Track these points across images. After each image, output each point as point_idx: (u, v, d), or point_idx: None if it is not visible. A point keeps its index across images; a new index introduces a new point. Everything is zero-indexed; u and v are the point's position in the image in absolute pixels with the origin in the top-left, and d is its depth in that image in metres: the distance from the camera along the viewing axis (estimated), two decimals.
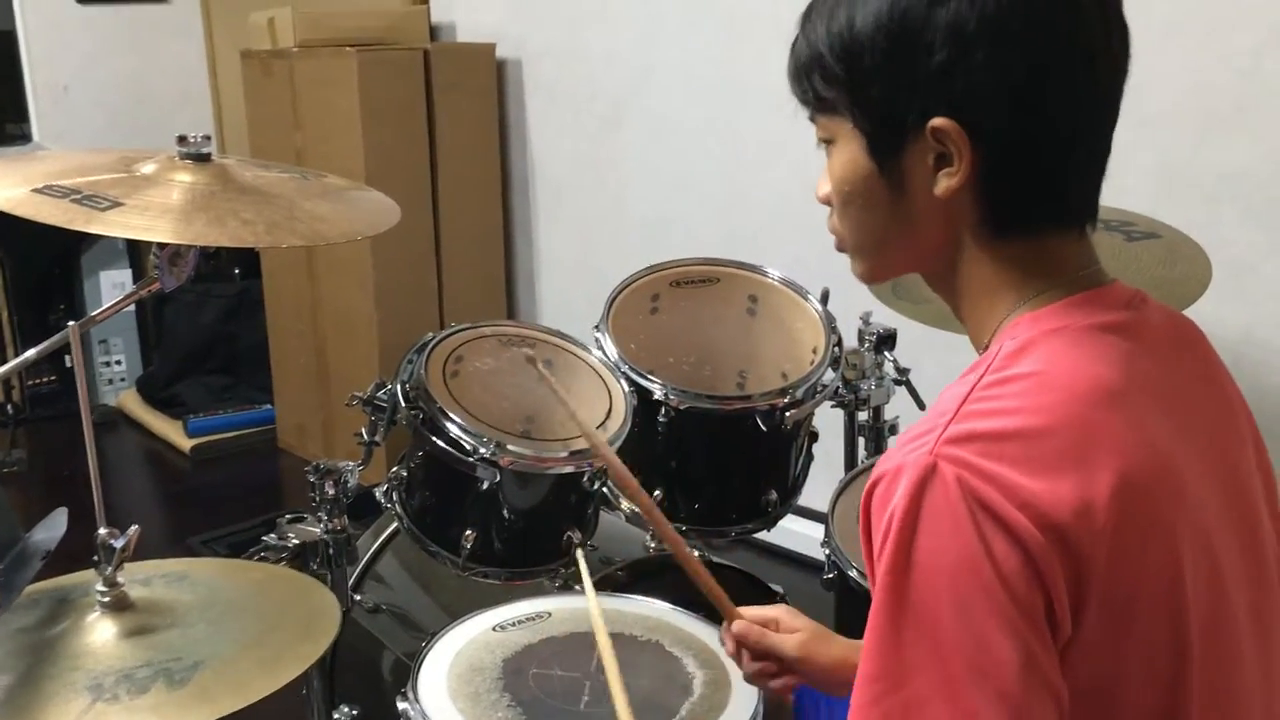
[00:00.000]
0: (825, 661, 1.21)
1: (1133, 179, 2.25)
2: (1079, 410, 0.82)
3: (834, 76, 0.91)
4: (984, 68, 0.85)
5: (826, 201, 0.99)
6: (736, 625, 1.23)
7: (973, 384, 0.85)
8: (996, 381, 0.85)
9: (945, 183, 0.88)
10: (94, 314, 1.48)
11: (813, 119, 0.96)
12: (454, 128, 3.67)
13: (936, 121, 0.86)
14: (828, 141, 0.96)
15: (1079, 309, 0.89)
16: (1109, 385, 0.84)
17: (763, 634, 1.22)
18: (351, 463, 1.69)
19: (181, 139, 1.45)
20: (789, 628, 1.23)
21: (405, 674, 1.40)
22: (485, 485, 1.62)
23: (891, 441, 2.05)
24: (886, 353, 2.02)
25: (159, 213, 1.32)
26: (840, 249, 1.01)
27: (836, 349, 1.89)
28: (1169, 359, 0.92)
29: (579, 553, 1.58)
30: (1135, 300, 0.93)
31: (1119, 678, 0.82)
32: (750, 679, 1.26)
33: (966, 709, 0.77)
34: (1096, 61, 0.88)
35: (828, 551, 1.70)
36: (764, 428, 1.79)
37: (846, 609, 1.70)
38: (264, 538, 1.66)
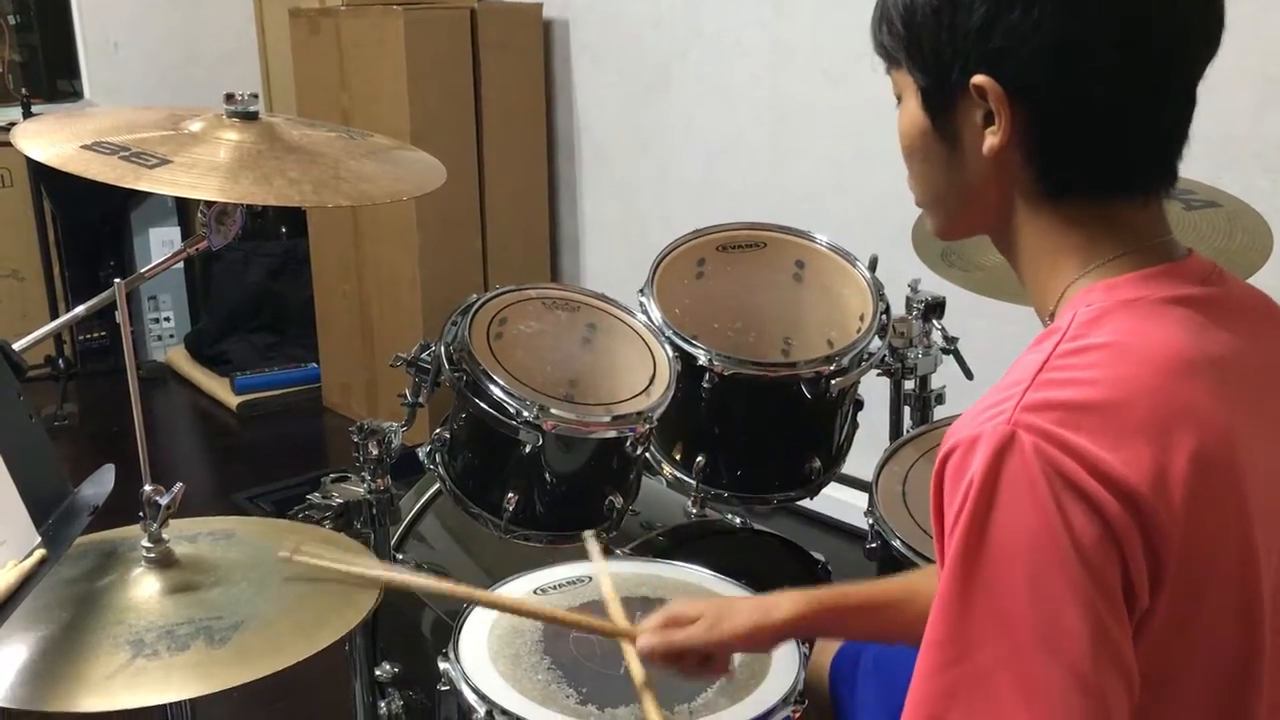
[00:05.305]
0: (738, 633, 1.19)
1: (1192, 146, 2.19)
2: (1155, 383, 0.80)
3: (896, 32, 0.92)
4: (1019, 26, 0.84)
5: None
6: (640, 644, 1.20)
7: (1049, 352, 0.83)
8: (1072, 350, 0.83)
9: (990, 141, 0.88)
10: (142, 271, 1.49)
11: (888, 73, 0.97)
12: (500, 88, 3.66)
13: (977, 79, 0.86)
14: (898, 97, 0.96)
15: (1155, 281, 0.87)
16: (1185, 358, 0.82)
17: (667, 640, 1.20)
18: (395, 423, 1.70)
19: (229, 97, 1.45)
20: (687, 618, 1.21)
21: (446, 633, 1.40)
22: (528, 448, 1.62)
23: (939, 411, 2.03)
24: (935, 321, 1.99)
25: (206, 170, 1.33)
26: (918, 205, 1.01)
27: (884, 316, 1.86)
28: (1247, 335, 0.89)
29: (588, 540, 1.47)
30: (1213, 276, 0.91)
31: (1185, 661, 0.81)
32: (693, 678, 1.25)
33: (1033, 684, 0.75)
34: (1153, 25, 0.85)
35: (871, 521, 1.69)
36: (809, 395, 1.77)
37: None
38: (308, 496, 1.68)
